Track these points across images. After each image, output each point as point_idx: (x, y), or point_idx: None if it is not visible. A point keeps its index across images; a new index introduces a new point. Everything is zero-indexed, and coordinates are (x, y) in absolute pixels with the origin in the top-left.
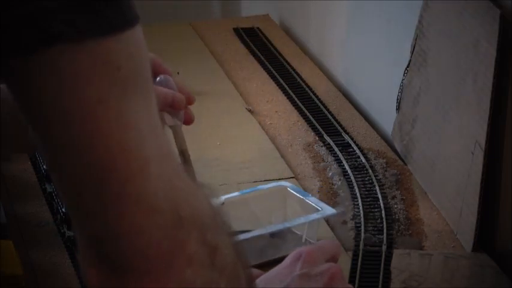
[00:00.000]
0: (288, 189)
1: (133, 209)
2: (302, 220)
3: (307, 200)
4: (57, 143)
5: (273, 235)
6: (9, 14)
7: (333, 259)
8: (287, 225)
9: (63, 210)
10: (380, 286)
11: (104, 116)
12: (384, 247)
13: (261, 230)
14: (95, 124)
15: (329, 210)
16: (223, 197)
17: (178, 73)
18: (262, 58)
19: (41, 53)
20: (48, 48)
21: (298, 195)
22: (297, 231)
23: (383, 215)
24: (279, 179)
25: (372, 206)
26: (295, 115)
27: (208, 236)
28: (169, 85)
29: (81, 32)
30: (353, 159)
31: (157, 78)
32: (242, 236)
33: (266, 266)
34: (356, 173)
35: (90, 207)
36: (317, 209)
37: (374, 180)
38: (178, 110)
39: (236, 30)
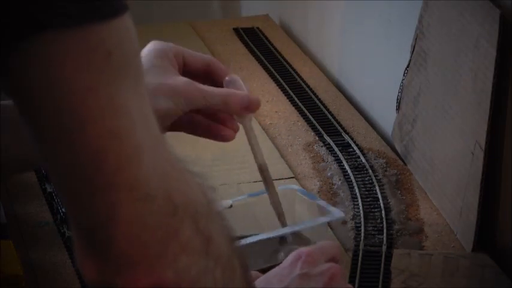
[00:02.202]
0: (297, 192)
1: (126, 197)
2: (311, 223)
3: (316, 203)
4: (49, 132)
5: (282, 238)
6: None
7: (334, 260)
8: (296, 228)
9: (63, 210)
10: (380, 286)
11: (95, 104)
12: (384, 247)
13: (269, 233)
14: (85, 112)
15: (337, 214)
16: (231, 200)
17: None
18: (262, 58)
19: (30, 42)
20: (37, 36)
21: (307, 198)
22: (305, 235)
23: (383, 215)
24: (279, 179)
25: (372, 206)
26: (295, 115)
27: (202, 225)
28: (238, 86)
29: (71, 20)
30: (353, 159)
31: (226, 79)
32: (251, 239)
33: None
34: (356, 173)
35: (83, 196)
36: (326, 212)
37: (374, 180)
38: (253, 111)
39: (236, 30)
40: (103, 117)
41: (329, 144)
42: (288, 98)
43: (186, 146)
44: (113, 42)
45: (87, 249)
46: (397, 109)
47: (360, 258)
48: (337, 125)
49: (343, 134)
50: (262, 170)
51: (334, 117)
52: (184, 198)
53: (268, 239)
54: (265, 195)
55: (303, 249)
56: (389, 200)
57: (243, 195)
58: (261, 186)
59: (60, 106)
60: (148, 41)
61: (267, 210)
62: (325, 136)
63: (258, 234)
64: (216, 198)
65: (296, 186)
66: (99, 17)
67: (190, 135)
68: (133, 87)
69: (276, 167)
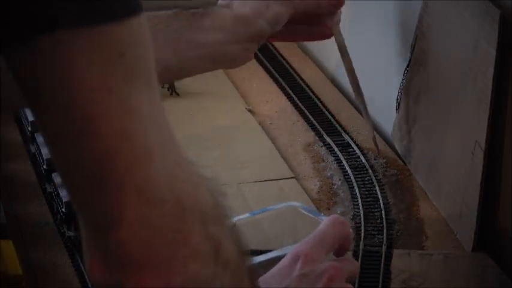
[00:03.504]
0: (299, 209)
1: (135, 199)
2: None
3: (318, 219)
4: (60, 131)
5: None
6: (11, 0)
7: (345, 242)
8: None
9: (63, 210)
10: (380, 286)
11: (107, 103)
12: (384, 247)
13: (278, 251)
14: (97, 111)
15: None
16: (234, 219)
17: None
18: (262, 58)
19: (43, 41)
20: (49, 36)
21: (309, 214)
22: None
23: (383, 215)
24: (279, 179)
25: (372, 206)
26: (295, 115)
27: (211, 229)
28: None
29: (85, 19)
30: (353, 159)
31: None
32: (260, 258)
33: None
34: (356, 173)
35: (92, 196)
36: None
37: (374, 180)
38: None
39: None
40: (113, 118)
41: (329, 144)
42: (288, 98)
43: (187, 146)
44: (126, 43)
45: (95, 249)
46: (397, 109)
47: (359, 258)
48: (337, 125)
49: (343, 134)
50: (351, 73)
51: (334, 117)
52: (194, 202)
53: (278, 257)
54: (268, 213)
55: (302, 248)
56: (389, 200)
57: (245, 214)
58: (259, 187)
59: (69, 105)
60: None
61: (270, 228)
62: (325, 136)
63: (263, 252)
64: (225, 202)
65: (298, 203)
66: (111, 17)
67: (189, 138)
68: (146, 88)
69: (276, 167)
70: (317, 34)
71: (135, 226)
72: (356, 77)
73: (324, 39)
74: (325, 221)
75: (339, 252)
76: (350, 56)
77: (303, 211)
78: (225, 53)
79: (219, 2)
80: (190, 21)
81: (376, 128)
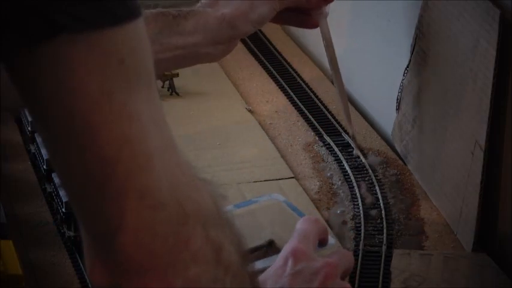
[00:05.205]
0: (282, 203)
1: (137, 205)
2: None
3: (297, 217)
4: (61, 136)
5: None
6: (15, 4)
7: (324, 235)
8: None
9: (63, 210)
10: (380, 286)
11: (108, 108)
12: (384, 247)
13: (265, 260)
14: (98, 116)
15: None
16: None
17: (178, 75)
18: (262, 58)
19: (45, 45)
20: (49, 41)
21: (293, 212)
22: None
23: (383, 215)
24: (279, 179)
25: (372, 206)
26: (295, 115)
27: (212, 233)
28: None
29: (86, 24)
30: (353, 159)
31: None
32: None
33: None
34: (356, 173)
35: (94, 201)
36: None
37: (374, 180)
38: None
39: None
40: (113, 124)
41: (329, 144)
42: (288, 98)
43: (187, 146)
44: (126, 48)
45: (96, 253)
46: (397, 109)
47: (359, 259)
48: (337, 125)
49: (343, 134)
50: (334, 65)
51: (334, 117)
52: (196, 206)
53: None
54: (252, 207)
55: (289, 248)
56: (389, 200)
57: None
58: (259, 187)
59: (69, 112)
60: None
61: (252, 222)
62: (325, 136)
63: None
64: (226, 205)
65: (282, 198)
66: (113, 21)
67: (189, 138)
68: (145, 92)
69: (276, 167)
70: (305, 23)
71: (136, 231)
72: (338, 69)
73: (311, 28)
74: (301, 220)
75: (320, 244)
76: (336, 51)
77: (286, 206)
78: (201, 54)
79: (204, 1)
80: (170, 24)
81: (376, 128)
